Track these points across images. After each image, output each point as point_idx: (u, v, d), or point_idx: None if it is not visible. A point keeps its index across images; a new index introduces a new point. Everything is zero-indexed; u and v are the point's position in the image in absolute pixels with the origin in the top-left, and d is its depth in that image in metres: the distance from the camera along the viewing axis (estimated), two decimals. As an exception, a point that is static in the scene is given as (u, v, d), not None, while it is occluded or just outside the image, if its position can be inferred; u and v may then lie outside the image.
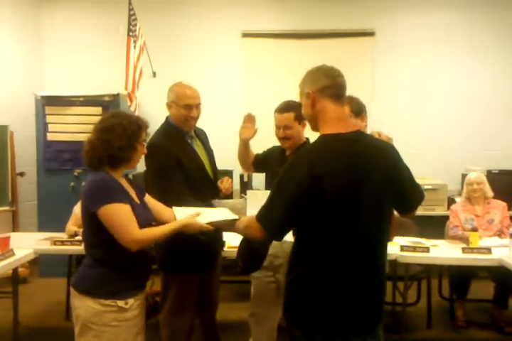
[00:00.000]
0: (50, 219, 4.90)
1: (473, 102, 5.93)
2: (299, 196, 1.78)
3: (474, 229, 3.77)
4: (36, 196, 5.52)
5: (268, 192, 1.93)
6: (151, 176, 2.73)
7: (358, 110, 2.83)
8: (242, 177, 5.33)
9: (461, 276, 4.06)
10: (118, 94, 5.33)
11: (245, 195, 2.64)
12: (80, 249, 3.34)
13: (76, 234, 3.71)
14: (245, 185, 5.20)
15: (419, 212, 2.14)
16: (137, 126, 2.25)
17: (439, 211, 5.15)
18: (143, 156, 2.39)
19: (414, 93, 5.95)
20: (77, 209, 3.76)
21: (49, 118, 5.39)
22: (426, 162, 5.53)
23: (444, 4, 5.89)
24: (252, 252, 2.56)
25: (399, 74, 5.94)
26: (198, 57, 6.00)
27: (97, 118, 2.37)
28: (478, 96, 5.93)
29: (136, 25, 5.15)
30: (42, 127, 5.40)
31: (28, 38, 5.93)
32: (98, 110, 5.30)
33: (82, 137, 2.43)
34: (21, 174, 5.51)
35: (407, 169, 1.98)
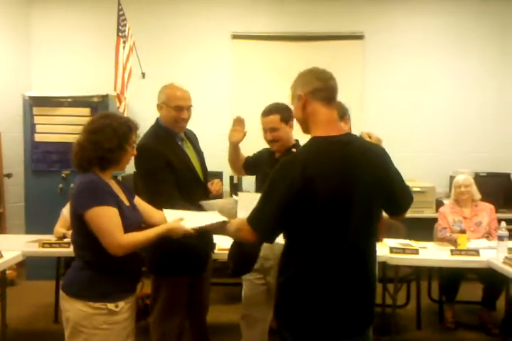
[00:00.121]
0: (37, 221, 4.87)
1: (461, 105, 5.98)
2: (290, 197, 1.78)
3: (462, 231, 3.80)
4: (24, 198, 5.46)
5: (259, 195, 1.93)
6: (141, 178, 2.72)
7: (342, 113, 2.83)
8: (232, 178, 5.33)
9: (450, 279, 4.08)
10: (107, 95, 5.29)
11: (236, 196, 2.63)
12: (68, 251, 3.34)
13: (64, 236, 3.68)
14: (235, 187, 5.19)
15: (408, 214, 2.15)
16: (127, 127, 2.24)
17: (428, 213, 5.17)
18: (132, 158, 2.38)
19: (404, 96, 5.98)
20: (66, 211, 3.73)
21: (37, 119, 5.33)
22: (414, 164, 5.55)
23: (433, 7, 5.94)
24: (244, 254, 2.55)
25: (389, 77, 5.97)
26: (188, 58, 5.99)
27: (86, 120, 2.35)
28: (466, 99, 5.97)
29: (125, 25, 5.13)
30: (29, 128, 5.35)
31: (16, 38, 5.88)
32: (86, 111, 5.26)
33: (70, 138, 2.41)
34: (8, 175, 5.46)
35: (398, 172, 1.99)
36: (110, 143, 2.17)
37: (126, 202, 2.28)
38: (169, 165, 2.66)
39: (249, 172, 3.24)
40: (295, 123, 2.08)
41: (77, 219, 2.15)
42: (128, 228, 2.15)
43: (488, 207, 4.27)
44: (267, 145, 3.02)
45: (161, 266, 2.74)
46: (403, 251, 3.58)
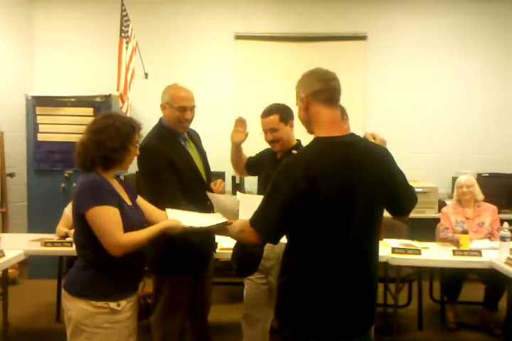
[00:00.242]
0: (40, 220, 4.87)
1: (464, 106, 5.97)
2: (293, 197, 1.78)
3: (465, 232, 3.79)
4: (26, 197, 5.46)
5: (260, 197, 1.93)
6: (144, 178, 2.72)
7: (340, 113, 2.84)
8: (234, 179, 5.34)
9: (452, 279, 4.08)
10: (110, 95, 5.31)
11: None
12: (70, 250, 3.34)
13: (67, 236, 3.69)
14: (237, 187, 5.20)
15: (410, 214, 2.14)
16: (130, 127, 2.24)
17: (430, 213, 5.17)
18: (135, 158, 2.38)
19: (406, 96, 5.98)
20: (68, 210, 3.74)
21: (40, 119, 5.34)
22: (417, 165, 5.55)
23: (436, 8, 5.93)
24: (247, 256, 2.55)
25: (391, 77, 5.97)
26: (191, 58, 6.00)
27: (89, 119, 2.36)
28: (469, 100, 5.97)
29: (128, 26, 5.14)
30: (32, 128, 5.36)
31: (19, 38, 5.89)
32: (89, 111, 5.26)
33: (73, 138, 2.42)
34: (11, 175, 5.48)
35: (401, 173, 1.98)
36: (113, 143, 2.18)
37: (129, 202, 2.28)
38: (172, 165, 2.66)
39: (251, 173, 3.24)
40: (299, 123, 2.07)
41: (79, 219, 2.16)
42: (130, 228, 2.16)
43: (490, 208, 4.27)
44: (269, 146, 3.03)
45: (163, 265, 2.74)
46: (405, 251, 3.57)
